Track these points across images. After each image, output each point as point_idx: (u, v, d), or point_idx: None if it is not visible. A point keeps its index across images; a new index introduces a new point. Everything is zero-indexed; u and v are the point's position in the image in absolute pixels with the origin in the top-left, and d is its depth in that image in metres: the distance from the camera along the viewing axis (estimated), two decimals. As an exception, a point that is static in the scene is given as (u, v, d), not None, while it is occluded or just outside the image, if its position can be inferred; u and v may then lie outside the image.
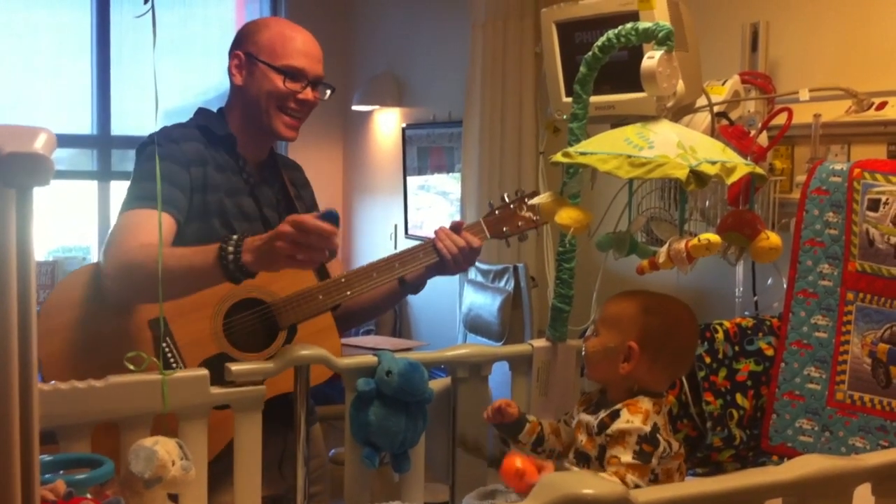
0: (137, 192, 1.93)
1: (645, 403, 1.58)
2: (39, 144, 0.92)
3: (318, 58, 2.10)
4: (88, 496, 1.35)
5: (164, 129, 2.03)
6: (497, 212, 2.16)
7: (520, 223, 2.15)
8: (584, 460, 1.61)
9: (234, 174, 2.06)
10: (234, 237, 1.78)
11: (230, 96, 2.12)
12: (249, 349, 1.96)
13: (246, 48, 2.06)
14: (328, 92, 2.12)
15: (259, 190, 2.10)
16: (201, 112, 2.14)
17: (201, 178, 1.99)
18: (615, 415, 1.57)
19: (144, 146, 2.00)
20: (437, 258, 2.06)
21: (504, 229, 2.15)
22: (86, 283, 1.94)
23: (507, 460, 1.48)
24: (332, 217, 1.68)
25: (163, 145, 1.94)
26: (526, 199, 2.16)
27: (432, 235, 2.10)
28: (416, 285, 2.14)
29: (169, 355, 1.89)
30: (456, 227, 2.08)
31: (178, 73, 5.11)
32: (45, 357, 1.83)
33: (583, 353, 1.71)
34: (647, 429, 1.53)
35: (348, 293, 2.02)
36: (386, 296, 2.18)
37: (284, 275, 1.93)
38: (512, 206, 2.16)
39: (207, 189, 2.00)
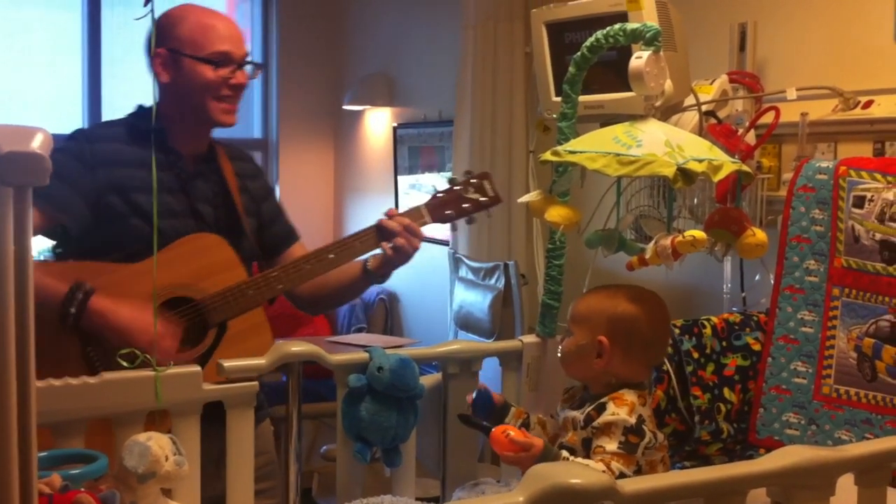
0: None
1: (630, 396, 1.60)
2: (37, 144, 0.94)
3: (241, 38, 2.06)
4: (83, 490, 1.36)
5: (93, 126, 2.01)
6: (440, 195, 2.11)
7: (465, 205, 2.10)
8: (569, 453, 1.63)
9: (162, 170, 1.98)
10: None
11: (160, 94, 2.05)
12: (179, 347, 1.93)
13: (168, 44, 2.01)
14: (258, 71, 2.11)
15: (192, 184, 2.06)
16: (137, 109, 2.10)
17: (116, 180, 1.96)
18: (601, 408, 1.58)
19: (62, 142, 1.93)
20: (375, 248, 2.06)
21: (447, 212, 2.10)
22: None
23: (496, 428, 1.53)
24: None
25: (79, 142, 1.96)
26: (473, 181, 2.12)
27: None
28: (381, 275, 2.13)
29: (94, 357, 1.87)
30: (389, 216, 2.07)
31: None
32: None
33: (558, 353, 1.72)
34: (633, 420, 1.55)
35: (279, 287, 2.00)
36: (349, 283, 2.16)
37: (214, 271, 1.94)
38: (456, 188, 2.11)
39: (126, 189, 1.96)
